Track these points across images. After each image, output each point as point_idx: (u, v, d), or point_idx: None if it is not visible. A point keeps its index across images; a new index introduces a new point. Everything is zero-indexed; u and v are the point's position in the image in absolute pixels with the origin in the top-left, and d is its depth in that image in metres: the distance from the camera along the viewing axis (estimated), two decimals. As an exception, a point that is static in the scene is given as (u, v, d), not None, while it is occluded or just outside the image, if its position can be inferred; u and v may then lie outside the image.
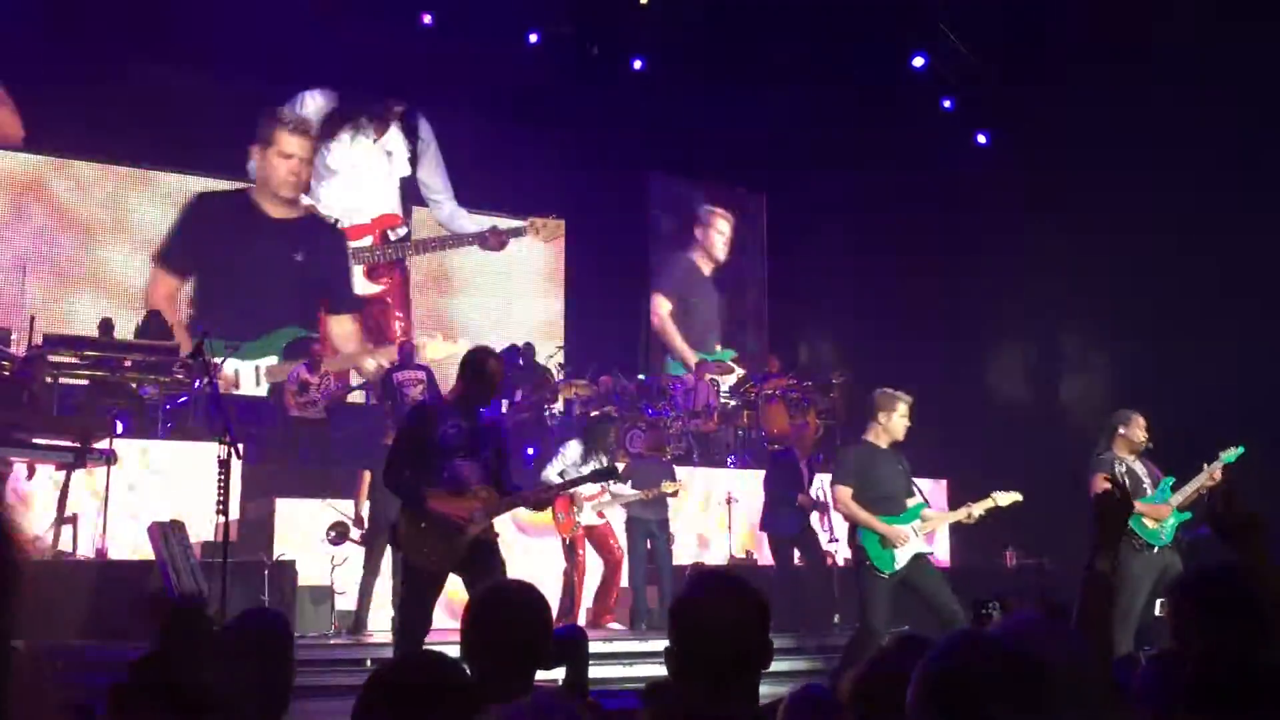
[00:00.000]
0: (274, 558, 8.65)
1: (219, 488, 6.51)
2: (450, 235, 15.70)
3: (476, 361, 5.57)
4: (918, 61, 13.03)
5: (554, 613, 9.62)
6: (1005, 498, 6.60)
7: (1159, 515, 6.82)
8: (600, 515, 9.08)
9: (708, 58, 13.12)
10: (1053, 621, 2.18)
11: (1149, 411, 7.12)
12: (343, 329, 15.08)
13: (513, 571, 8.64)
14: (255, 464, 9.69)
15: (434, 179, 15.60)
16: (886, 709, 2.41)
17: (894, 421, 6.51)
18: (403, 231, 15.42)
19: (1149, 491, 6.92)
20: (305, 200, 14.93)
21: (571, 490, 8.27)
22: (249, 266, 14.19)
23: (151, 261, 13.79)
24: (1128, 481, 6.87)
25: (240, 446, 6.64)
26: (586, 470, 8.35)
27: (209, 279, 14.08)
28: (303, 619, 8.40)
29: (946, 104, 13.35)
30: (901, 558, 6.35)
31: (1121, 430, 6.98)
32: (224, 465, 6.46)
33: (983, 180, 12.44)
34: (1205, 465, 6.83)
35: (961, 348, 12.49)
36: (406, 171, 15.45)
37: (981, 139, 13.31)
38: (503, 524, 8.81)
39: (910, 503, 6.54)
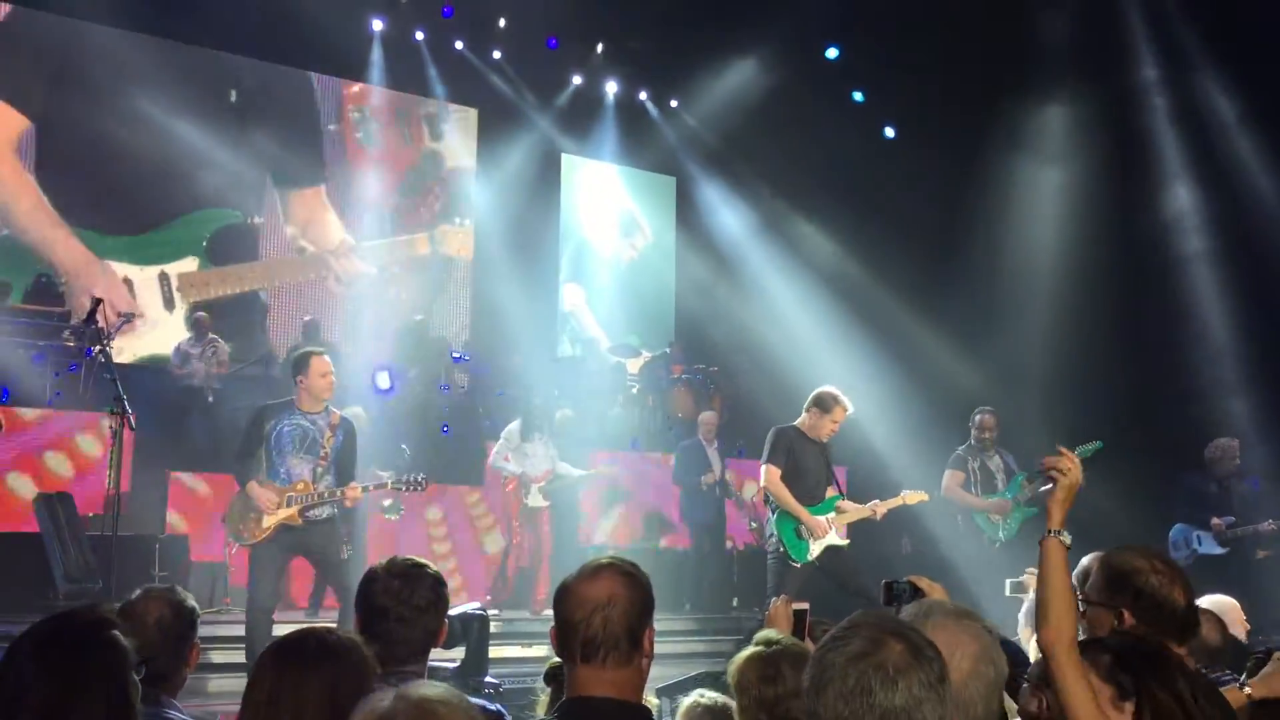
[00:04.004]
0: (165, 532, 8.44)
1: (109, 459, 6.33)
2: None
3: (298, 362, 5.98)
4: (831, 53, 13.17)
5: (486, 593, 9.46)
6: (914, 496, 6.70)
7: (1000, 510, 7.14)
8: (545, 499, 8.91)
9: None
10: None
11: (1018, 407, 7.45)
12: (306, 211, 11.28)
13: (452, 552, 8.75)
14: (149, 435, 9.25)
15: None
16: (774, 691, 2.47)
17: (823, 422, 6.45)
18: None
19: (1000, 486, 7.29)
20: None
21: (518, 472, 8.69)
22: (139, 107, 10.13)
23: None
24: (980, 476, 7.19)
25: (133, 417, 6.47)
26: (530, 448, 8.74)
27: (72, 122, 9.85)
28: (196, 595, 8.15)
29: (857, 96, 13.54)
30: (815, 549, 6.32)
31: (973, 429, 7.49)
32: (115, 436, 6.28)
33: (891, 171, 12.62)
34: None
35: (864, 340, 12.62)
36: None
37: (890, 131, 13.54)
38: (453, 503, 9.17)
39: (829, 494, 6.54)
